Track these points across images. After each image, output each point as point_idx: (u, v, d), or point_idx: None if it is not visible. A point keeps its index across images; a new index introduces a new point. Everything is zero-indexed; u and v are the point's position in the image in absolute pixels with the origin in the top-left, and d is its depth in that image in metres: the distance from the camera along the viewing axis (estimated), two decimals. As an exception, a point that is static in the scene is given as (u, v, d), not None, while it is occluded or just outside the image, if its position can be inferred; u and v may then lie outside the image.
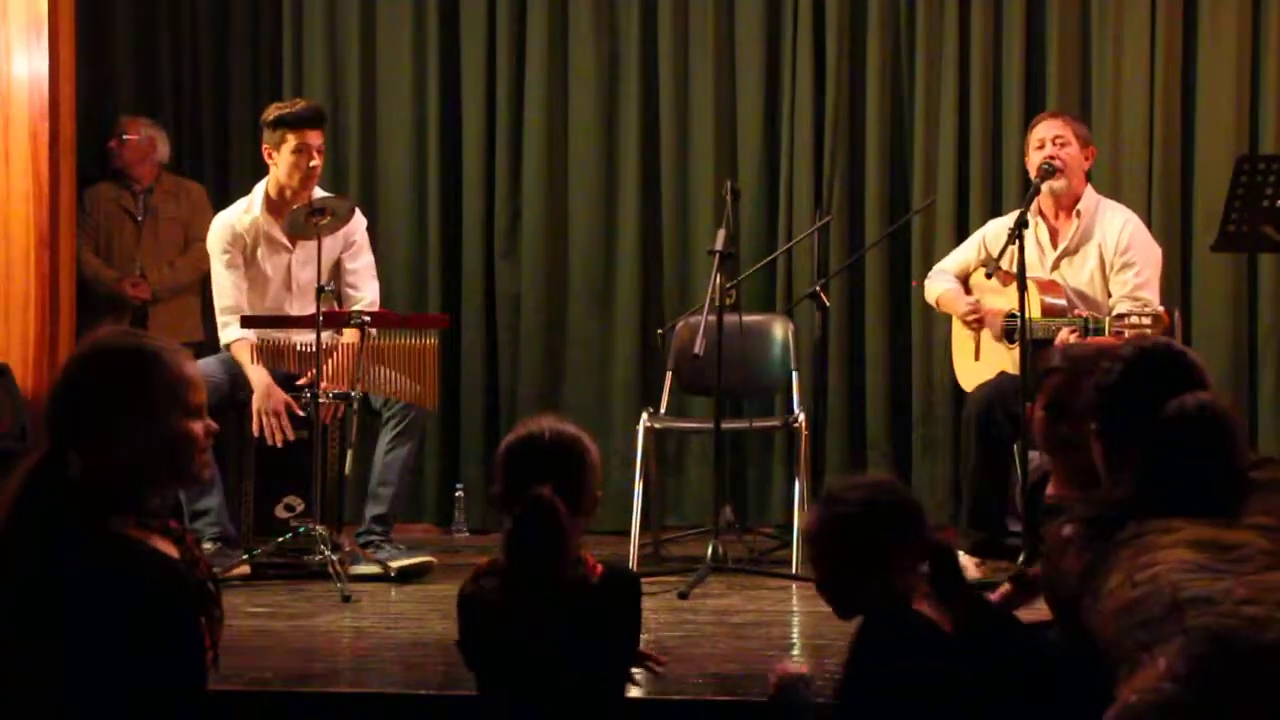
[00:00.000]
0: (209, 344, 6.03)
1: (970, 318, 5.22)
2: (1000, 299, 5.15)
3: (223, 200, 5.98)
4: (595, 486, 2.84)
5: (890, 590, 2.67)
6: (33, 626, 2.30)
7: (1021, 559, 4.61)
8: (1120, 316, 4.86)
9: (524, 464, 2.79)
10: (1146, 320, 4.80)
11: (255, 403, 5.17)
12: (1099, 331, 4.88)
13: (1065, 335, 4.89)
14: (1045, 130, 5.22)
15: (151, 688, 2.32)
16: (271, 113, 5.30)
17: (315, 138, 5.30)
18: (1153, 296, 4.99)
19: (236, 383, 5.24)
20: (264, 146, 5.31)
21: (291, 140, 5.23)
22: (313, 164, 5.28)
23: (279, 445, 5.20)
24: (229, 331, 5.32)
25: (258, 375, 5.19)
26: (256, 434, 5.21)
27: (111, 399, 2.41)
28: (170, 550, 2.42)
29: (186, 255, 6.35)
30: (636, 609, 2.81)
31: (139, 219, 6.39)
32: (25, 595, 2.30)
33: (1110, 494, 2.63)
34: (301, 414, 5.18)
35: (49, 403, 2.44)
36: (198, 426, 2.45)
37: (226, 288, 5.35)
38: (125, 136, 6.41)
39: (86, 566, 2.30)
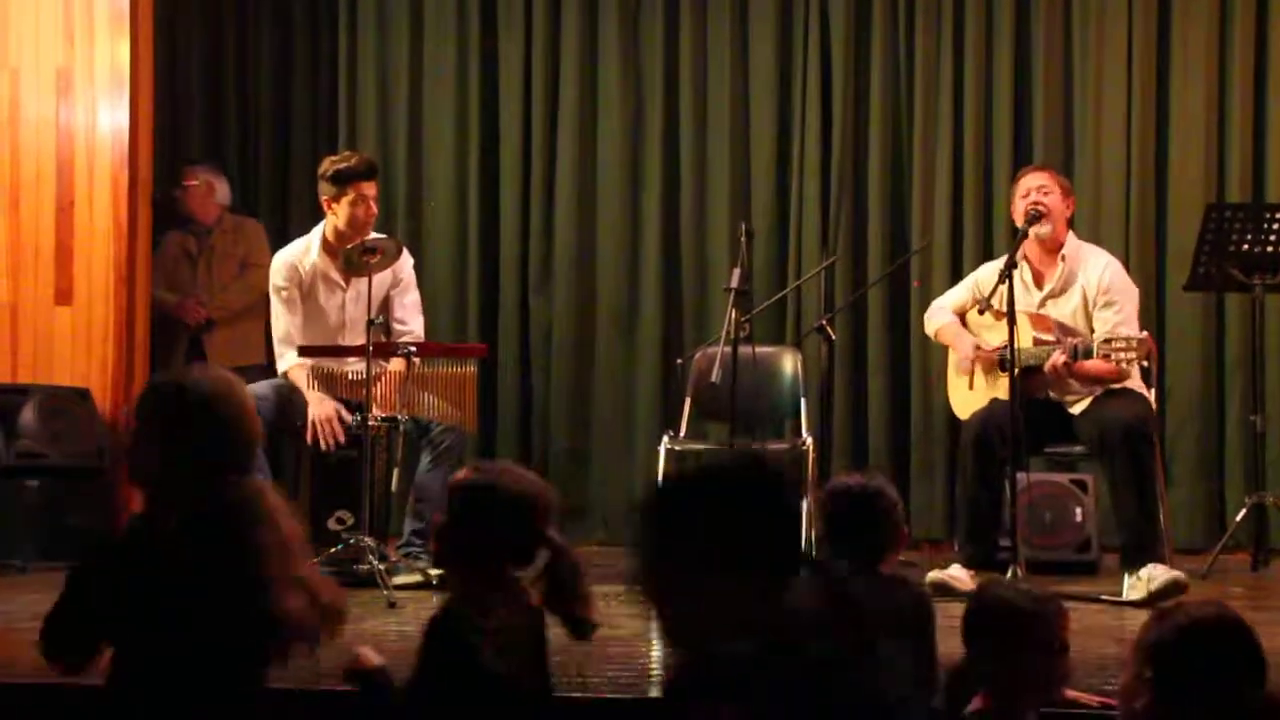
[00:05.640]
0: (271, 367, 5.98)
1: (967, 368, 5.11)
2: (994, 334, 5.06)
3: (280, 238, 5.93)
4: None
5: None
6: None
7: (1010, 573, 4.54)
8: (1107, 340, 4.73)
9: None
10: (1133, 344, 4.67)
11: (311, 411, 5.07)
12: (1088, 355, 4.78)
13: (1056, 358, 4.78)
14: (1030, 181, 5.11)
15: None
16: (329, 167, 5.19)
17: (370, 188, 5.18)
18: (1133, 332, 4.88)
19: (285, 407, 5.13)
20: (323, 197, 5.20)
21: (350, 193, 5.13)
22: (369, 212, 5.20)
23: (332, 449, 5.09)
24: (285, 360, 5.21)
25: (313, 392, 5.12)
26: (310, 443, 5.11)
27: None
28: None
29: (241, 279, 6.27)
30: None
31: (196, 257, 6.30)
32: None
33: None
34: (350, 418, 5.08)
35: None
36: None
37: (282, 321, 5.27)
38: (185, 183, 6.35)
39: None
